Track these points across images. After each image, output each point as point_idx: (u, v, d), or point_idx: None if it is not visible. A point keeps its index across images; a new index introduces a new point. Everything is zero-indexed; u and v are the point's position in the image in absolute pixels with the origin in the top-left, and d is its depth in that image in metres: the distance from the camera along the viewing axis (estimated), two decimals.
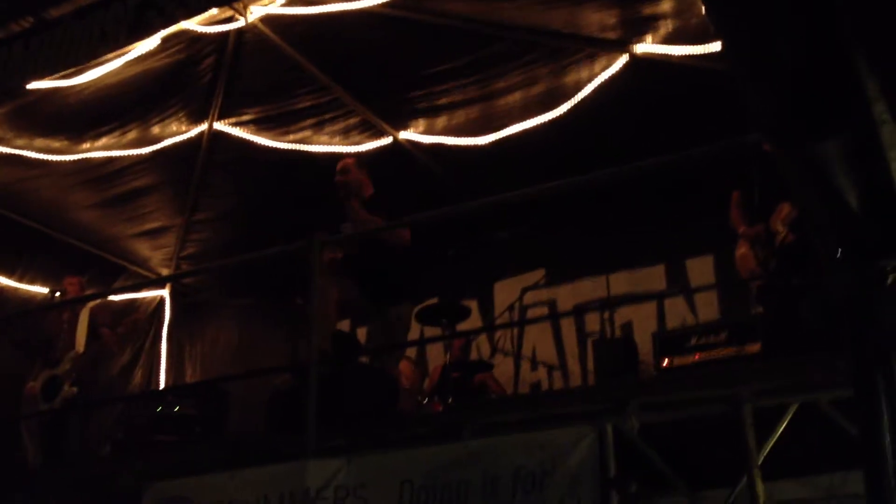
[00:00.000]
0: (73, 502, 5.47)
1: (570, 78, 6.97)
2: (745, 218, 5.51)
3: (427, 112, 7.47)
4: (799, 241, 5.01)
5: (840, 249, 1.60)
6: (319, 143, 7.84)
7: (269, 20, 6.58)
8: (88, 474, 5.68)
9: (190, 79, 7.12)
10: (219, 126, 7.72)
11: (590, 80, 6.95)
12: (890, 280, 1.55)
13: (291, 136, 7.76)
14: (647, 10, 6.22)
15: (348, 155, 6.51)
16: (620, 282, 8.07)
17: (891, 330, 1.59)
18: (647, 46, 6.58)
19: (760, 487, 3.70)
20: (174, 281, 10.09)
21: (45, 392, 7.27)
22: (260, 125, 7.70)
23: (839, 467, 3.84)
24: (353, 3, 6.26)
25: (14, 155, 7.52)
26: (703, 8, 4.86)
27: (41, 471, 6.83)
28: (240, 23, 6.55)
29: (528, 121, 7.37)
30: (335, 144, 7.85)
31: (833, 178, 1.47)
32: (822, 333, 3.88)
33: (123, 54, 6.42)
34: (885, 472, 1.75)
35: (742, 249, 5.47)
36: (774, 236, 5.21)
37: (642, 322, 7.82)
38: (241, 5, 6.30)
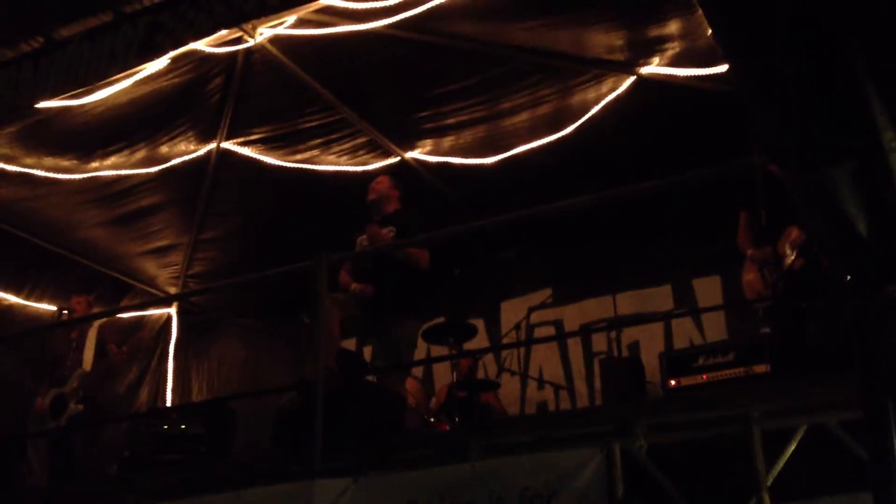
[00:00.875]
0: None
1: (576, 98, 7.00)
2: (753, 239, 5.51)
3: (434, 132, 7.50)
4: (807, 265, 5.01)
5: (849, 275, 1.60)
6: (327, 163, 7.87)
7: (277, 41, 6.62)
8: (94, 493, 5.66)
9: (198, 99, 7.15)
10: (227, 145, 7.76)
11: (597, 101, 6.98)
12: None
13: (299, 156, 7.79)
14: (654, 33, 6.24)
15: (383, 172, 6.55)
16: (627, 302, 8.07)
17: None
18: (653, 68, 6.60)
19: None
20: (181, 299, 10.11)
21: (53, 410, 7.29)
22: (268, 144, 7.73)
23: (848, 489, 3.81)
24: (361, 24, 6.30)
25: (23, 173, 7.55)
26: (710, 31, 4.89)
27: (47, 488, 6.83)
28: (248, 44, 6.58)
29: (534, 141, 7.40)
30: (342, 164, 7.88)
31: (841, 204, 1.48)
32: (830, 355, 3.87)
33: (132, 74, 6.45)
34: (894, 494, 1.74)
35: (749, 275, 5.46)
36: (783, 259, 5.21)
37: (649, 342, 7.81)
38: (250, 26, 6.32)
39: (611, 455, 3.92)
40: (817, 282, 4.86)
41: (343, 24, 6.36)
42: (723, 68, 6.19)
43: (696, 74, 6.45)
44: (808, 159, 1.48)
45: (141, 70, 6.39)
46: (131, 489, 5.38)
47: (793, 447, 3.83)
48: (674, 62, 6.50)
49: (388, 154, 7.81)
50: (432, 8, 5.98)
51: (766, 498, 3.70)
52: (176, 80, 6.79)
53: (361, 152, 7.79)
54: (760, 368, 4.81)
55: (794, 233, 5.18)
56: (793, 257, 5.14)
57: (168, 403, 9.66)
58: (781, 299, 5.08)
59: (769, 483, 3.75)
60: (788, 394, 3.89)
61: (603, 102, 6.96)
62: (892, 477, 1.70)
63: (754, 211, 5.43)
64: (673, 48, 6.37)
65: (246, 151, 7.79)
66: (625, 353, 7.82)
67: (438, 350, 7.53)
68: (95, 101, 6.74)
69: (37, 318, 8.87)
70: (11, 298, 8.88)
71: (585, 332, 8.24)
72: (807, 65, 1.49)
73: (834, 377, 3.73)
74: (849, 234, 1.49)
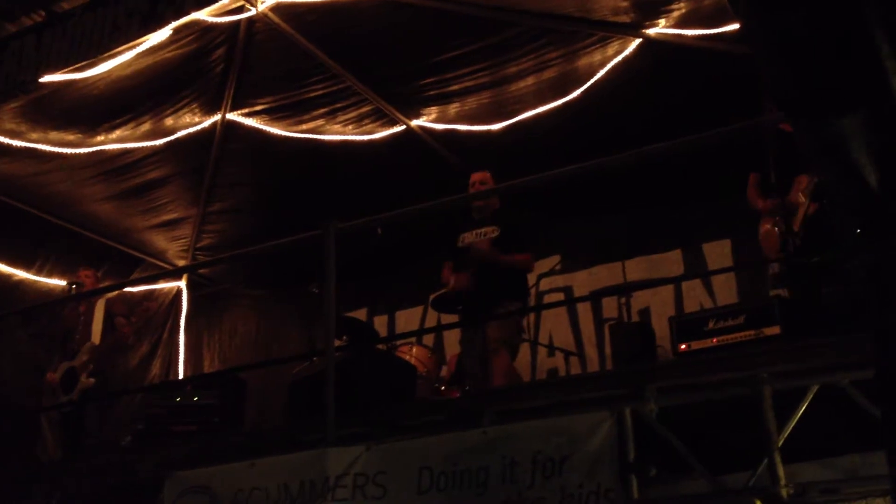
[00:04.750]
0: (94, 492, 5.50)
1: (582, 62, 6.94)
2: (762, 196, 5.49)
3: (439, 99, 7.46)
4: (822, 209, 4.99)
5: (859, 228, 1.58)
6: (332, 133, 7.84)
7: (278, 9, 6.57)
8: (109, 464, 5.71)
9: (202, 69, 7.12)
10: (232, 116, 7.73)
11: (602, 64, 6.92)
12: None
13: (304, 126, 7.77)
14: None
15: (481, 169, 6.34)
16: (637, 268, 8.05)
17: None
18: (660, 29, 6.54)
19: (781, 470, 3.68)
20: (191, 272, 10.14)
21: (64, 384, 7.33)
22: (273, 115, 7.70)
23: (860, 448, 3.81)
24: None
25: (29, 148, 7.54)
26: None
27: (62, 461, 6.89)
28: (250, 12, 6.55)
29: (540, 106, 7.35)
30: (348, 133, 7.85)
31: (852, 156, 1.45)
32: (845, 314, 3.85)
33: (135, 46, 6.42)
34: None
35: (765, 226, 5.44)
36: (797, 209, 5.18)
37: (660, 307, 7.80)
38: None
39: (622, 419, 3.92)
40: (821, 221, 4.83)
41: None
42: (730, 28, 6.12)
43: (704, 34, 6.39)
44: (819, 109, 1.46)
45: (144, 41, 6.36)
46: (146, 460, 5.41)
47: (804, 407, 3.81)
48: (680, 23, 6.43)
49: (393, 122, 7.78)
50: None
51: (778, 458, 3.70)
52: (179, 51, 6.76)
53: (367, 121, 7.75)
54: (771, 331, 4.79)
55: (804, 180, 5.15)
56: (807, 204, 5.12)
57: (180, 375, 9.71)
58: (797, 257, 5.05)
59: (780, 444, 3.75)
60: (799, 354, 3.87)
61: (609, 65, 6.90)
62: None
63: (763, 171, 5.40)
64: (679, 9, 6.30)
65: (251, 122, 7.77)
66: (635, 318, 7.81)
67: (448, 319, 7.52)
68: (99, 74, 6.72)
69: (47, 293, 8.91)
70: (22, 274, 8.91)
71: (595, 297, 8.22)
72: (816, 14, 1.46)
73: (846, 337, 3.71)
74: (859, 185, 1.47)
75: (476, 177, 6.22)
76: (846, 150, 1.45)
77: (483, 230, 6.09)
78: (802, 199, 5.15)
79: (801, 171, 5.08)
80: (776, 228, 5.28)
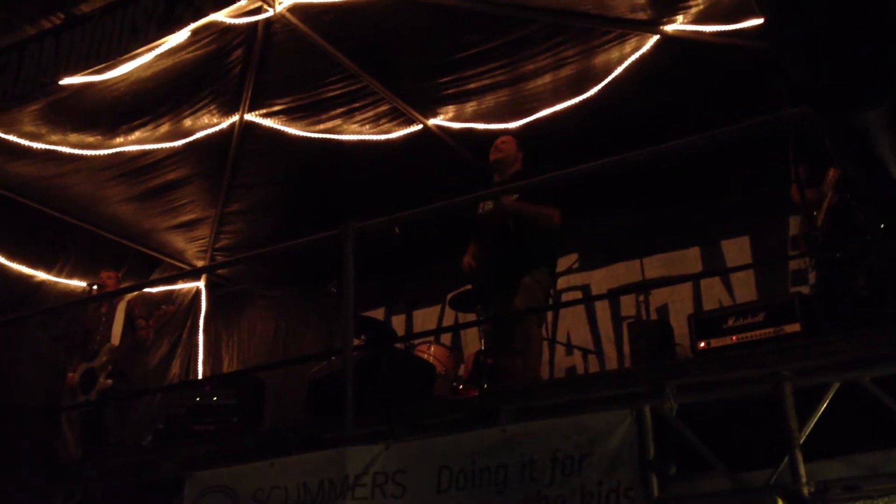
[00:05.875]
0: (115, 492, 5.53)
1: (599, 59, 6.92)
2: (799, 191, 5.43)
3: (456, 98, 7.45)
4: (843, 201, 4.95)
5: (882, 222, 1.57)
6: (350, 132, 7.85)
7: (296, 9, 6.59)
8: (130, 464, 5.74)
9: (220, 71, 7.15)
10: (250, 117, 7.76)
11: (620, 61, 6.90)
12: None
13: (322, 126, 7.78)
14: None
15: (507, 132, 6.43)
16: (655, 265, 8.02)
17: None
18: (678, 26, 6.51)
19: (802, 468, 3.66)
20: (209, 272, 10.18)
21: (83, 384, 7.39)
22: (290, 115, 7.72)
23: (882, 446, 3.78)
24: None
25: (49, 150, 7.60)
26: None
27: (83, 461, 6.93)
28: (268, 13, 6.57)
29: (558, 104, 7.33)
30: (365, 133, 7.86)
31: (875, 149, 1.45)
32: (865, 309, 3.83)
33: (154, 48, 6.46)
34: None
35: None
36: (823, 202, 5.15)
37: (678, 305, 7.76)
38: None
39: (641, 416, 3.91)
40: (853, 218, 4.78)
41: None
42: (748, 23, 6.09)
43: (722, 30, 6.35)
44: (842, 103, 1.45)
45: (162, 43, 6.40)
46: (166, 460, 5.44)
47: (825, 405, 3.79)
48: (698, 19, 6.40)
49: (410, 122, 7.78)
50: None
51: (799, 456, 3.68)
52: (197, 52, 6.79)
53: (384, 120, 7.75)
54: (791, 328, 4.78)
55: (832, 173, 5.11)
56: (830, 196, 5.09)
57: (199, 375, 9.76)
58: (813, 252, 5.02)
59: (802, 441, 3.72)
60: (820, 351, 3.84)
61: (627, 63, 6.88)
62: None
63: (793, 167, 5.36)
64: (697, 5, 6.27)
65: (269, 123, 7.80)
66: (653, 315, 7.78)
67: (466, 317, 7.52)
68: (118, 76, 6.76)
69: (68, 294, 8.97)
70: (42, 275, 8.97)
71: (614, 295, 8.19)
72: (840, 9, 1.45)
73: (867, 333, 3.68)
74: (882, 178, 1.46)
75: (499, 139, 6.21)
76: (870, 144, 1.45)
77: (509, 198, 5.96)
78: (828, 191, 5.12)
79: (831, 163, 5.04)
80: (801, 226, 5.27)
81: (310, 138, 7.83)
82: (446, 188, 6.13)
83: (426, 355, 6.77)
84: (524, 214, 5.83)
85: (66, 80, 6.55)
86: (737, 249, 7.76)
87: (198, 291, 10.22)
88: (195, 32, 6.42)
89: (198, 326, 10.07)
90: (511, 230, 5.84)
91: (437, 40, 6.84)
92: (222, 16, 6.38)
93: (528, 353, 5.65)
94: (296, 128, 7.81)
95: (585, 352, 7.94)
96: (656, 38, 6.67)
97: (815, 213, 5.12)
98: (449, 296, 7.95)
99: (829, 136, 1.58)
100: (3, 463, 6.74)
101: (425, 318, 9.32)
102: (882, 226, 1.45)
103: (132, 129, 7.61)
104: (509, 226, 5.82)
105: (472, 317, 7.16)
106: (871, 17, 1.37)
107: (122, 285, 8.39)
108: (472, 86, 7.24)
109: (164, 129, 7.66)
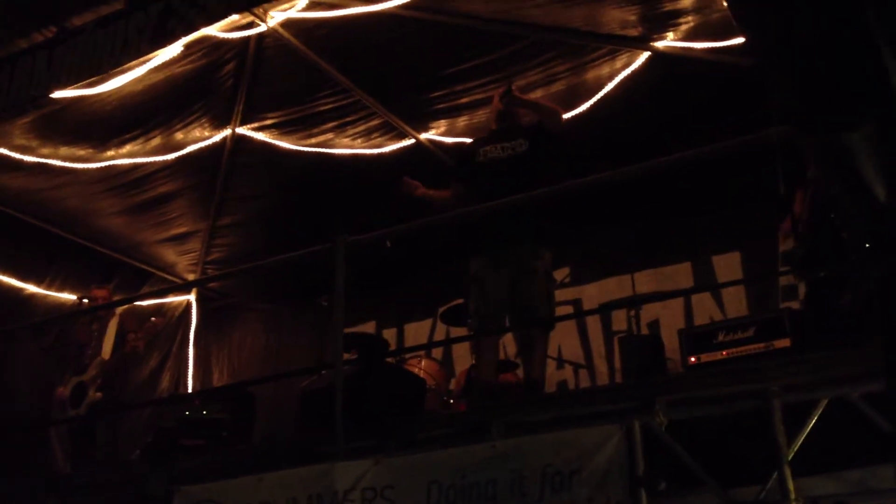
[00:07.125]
0: None
1: (590, 75, 6.96)
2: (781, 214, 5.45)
3: (448, 112, 7.47)
4: (812, 218, 4.94)
5: (868, 242, 1.58)
6: (341, 146, 7.86)
7: (289, 24, 6.60)
8: (119, 479, 5.71)
9: (212, 84, 7.16)
10: (241, 131, 7.76)
11: (611, 77, 6.93)
12: None
13: (314, 140, 7.79)
14: (668, 7, 6.19)
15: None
16: (646, 280, 8.03)
17: None
18: (668, 42, 6.55)
19: (791, 483, 3.67)
20: (200, 286, 10.16)
21: (73, 398, 7.35)
22: (282, 129, 7.73)
23: (871, 462, 3.79)
24: (373, 5, 6.27)
25: (40, 163, 7.59)
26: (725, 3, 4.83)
27: (72, 475, 6.89)
28: (260, 28, 6.58)
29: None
30: (357, 147, 7.87)
31: (860, 170, 1.46)
32: (853, 326, 3.84)
33: (146, 62, 6.46)
34: None
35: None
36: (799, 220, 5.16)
37: (669, 320, 7.77)
38: (262, 10, 6.32)
39: (631, 432, 3.91)
40: (827, 232, 4.78)
41: (355, 6, 6.35)
42: (739, 40, 6.13)
43: (712, 47, 6.39)
44: (827, 125, 1.46)
45: (154, 57, 6.40)
46: (155, 474, 5.41)
47: (814, 421, 3.80)
48: (689, 36, 6.44)
49: (402, 136, 7.79)
50: None
51: (788, 472, 3.69)
52: (189, 66, 6.80)
53: (376, 135, 7.77)
54: (781, 343, 4.78)
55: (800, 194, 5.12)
56: (800, 214, 5.09)
57: (189, 389, 9.72)
58: (799, 271, 5.03)
59: (790, 457, 3.73)
60: (808, 367, 3.86)
61: (618, 79, 6.91)
62: None
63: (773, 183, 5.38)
64: (687, 22, 6.32)
65: (261, 136, 7.80)
66: (644, 330, 7.78)
67: (458, 332, 7.52)
68: (110, 90, 6.76)
69: (58, 307, 8.94)
70: (32, 288, 8.95)
71: (604, 309, 8.20)
72: (823, 30, 1.47)
73: (856, 350, 3.70)
74: (867, 199, 1.47)
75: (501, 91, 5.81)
76: (854, 165, 1.46)
77: (510, 143, 5.63)
78: (799, 210, 5.12)
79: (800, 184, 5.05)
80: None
81: (302, 152, 7.84)
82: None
83: (417, 369, 6.76)
84: (539, 106, 5.66)
85: (58, 94, 6.54)
86: (728, 264, 7.79)
87: (188, 305, 10.20)
88: (187, 46, 6.42)
89: (188, 340, 10.04)
90: (528, 156, 5.48)
91: (430, 55, 6.86)
92: (215, 30, 6.39)
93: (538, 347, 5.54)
94: (288, 141, 7.81)
95: (576, 366, 7.94)
96: (647, 54, 6.71)
97: (799, 229, 5.13)
98: (440, 310, 7.96)
99: (814, 157, 1.59)
100: None
101: (416, 332, 9.32)
102: (867, 245, 1.46)
103: (123, 143, 7.61)
104: (526, 159, 5.47)
105: (463, 331, 7.17)
106: (852, 37, 1.39)
107: (114, 299, 8.36)
108: (464, 100, 7.26)
109: (156, 142, 7.66)
